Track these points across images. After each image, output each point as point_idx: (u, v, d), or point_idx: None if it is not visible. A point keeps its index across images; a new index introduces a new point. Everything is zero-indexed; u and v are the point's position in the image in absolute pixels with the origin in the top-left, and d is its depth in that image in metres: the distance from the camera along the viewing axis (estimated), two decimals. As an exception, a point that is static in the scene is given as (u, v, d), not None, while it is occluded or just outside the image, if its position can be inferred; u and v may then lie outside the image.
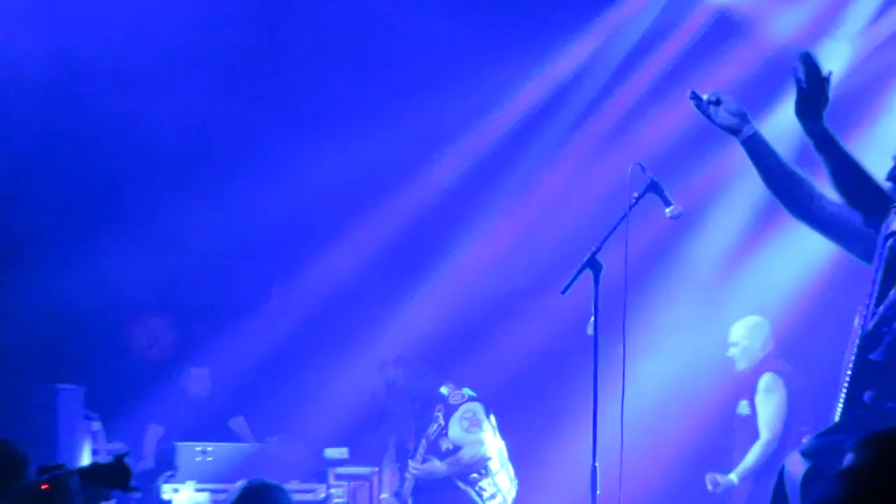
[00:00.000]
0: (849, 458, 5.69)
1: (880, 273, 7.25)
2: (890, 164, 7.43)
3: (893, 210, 7.24)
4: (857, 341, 7.16)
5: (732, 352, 11.86)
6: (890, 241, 7.15)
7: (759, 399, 11.73)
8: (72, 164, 12.91)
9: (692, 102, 7.64)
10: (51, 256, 12.78)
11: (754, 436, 11.73)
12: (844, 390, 7.16)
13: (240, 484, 7.78)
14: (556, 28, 13.14)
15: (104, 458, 7.45)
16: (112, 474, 6.59)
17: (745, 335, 11.86)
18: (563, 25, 13.18)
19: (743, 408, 11.80)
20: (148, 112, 12.75)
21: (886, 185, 7.39)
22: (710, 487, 11.67)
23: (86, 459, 11.44)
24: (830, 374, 7.53)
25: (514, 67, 13.14)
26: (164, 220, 13.03)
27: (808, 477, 6.94)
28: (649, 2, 13.24)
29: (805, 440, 7.81)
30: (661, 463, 11.77)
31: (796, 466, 7.06)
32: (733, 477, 11.63)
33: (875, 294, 7.29)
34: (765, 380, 11.71)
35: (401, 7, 12.62)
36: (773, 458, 11.30)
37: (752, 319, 11.89)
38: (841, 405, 7.17)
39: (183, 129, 13.02)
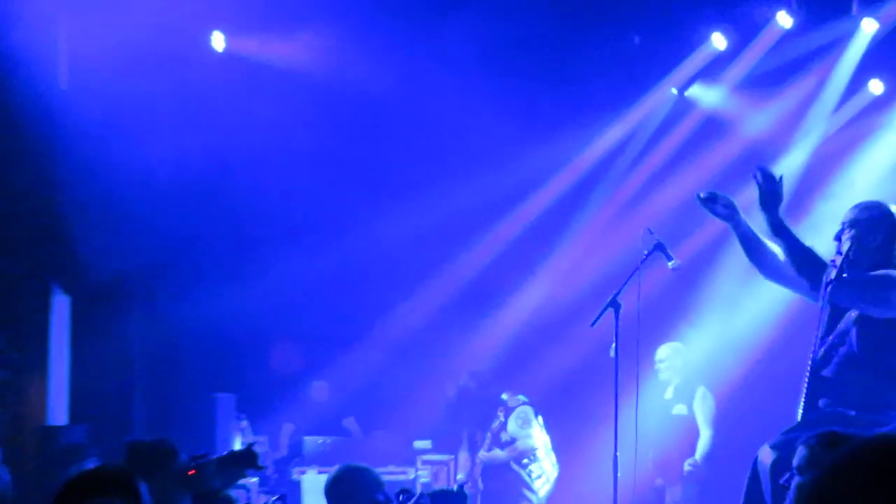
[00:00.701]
0: (801, 449, 5.92)
1: (825, 311, 7.47)
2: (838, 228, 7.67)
3: (831, 263, 7.47)
4: (809, 363, 7.37)
5: (659, 366, 11.86)
6: (829, 287, 7.37)
7: (697, 404, 11.70)
8: (224, 227, 13.00)
9: (697, 200, 7.78)
10: (210, 294, 12.61)
11: (690, 431, 11.73)
12: (803, 399, 7.36)
13: (337, 466, 8.03)
14: (581, 130, 13.20)
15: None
16: (243, 459, 6.70)
17: (668, 355, 11.89)
18: (589, 125, 13.22)
19: (679, 409, 11.76)
20: (275, 186, 12.90)
21: (833, 244, 7.61)
22: (686, 467, 11.64)
23: (236, 447, 11.50)
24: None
25: (552, 153, 13.14)
26: (292, 269, 13.07)
27: (775, 464, 7.12)
28: (657, 106, 13.32)
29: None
30: (668, 452, 11.68)
31: (766, 456, 7.25)
32: (698, 458, 11.61)
33: (823, 326, 7.52)
34: (701, 391, 11.71)
35: (461, 110, 12.58)
36: (713, 447, 11.59)
37: (675, 344, 11.97)
38: (801, 410, 7.37)
39: (304, 200, 13.12)
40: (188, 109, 11.96)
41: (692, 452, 11.62)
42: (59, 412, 11.75)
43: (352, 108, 12.70)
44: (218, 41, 12.25)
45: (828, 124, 12.65)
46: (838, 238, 7.59)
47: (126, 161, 11.71)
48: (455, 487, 7.42)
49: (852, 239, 7.49)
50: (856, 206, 7.71)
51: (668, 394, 11.91)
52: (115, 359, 12.23)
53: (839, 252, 7.50)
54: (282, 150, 12.67)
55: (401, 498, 7.33)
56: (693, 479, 11.62)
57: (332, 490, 7.67)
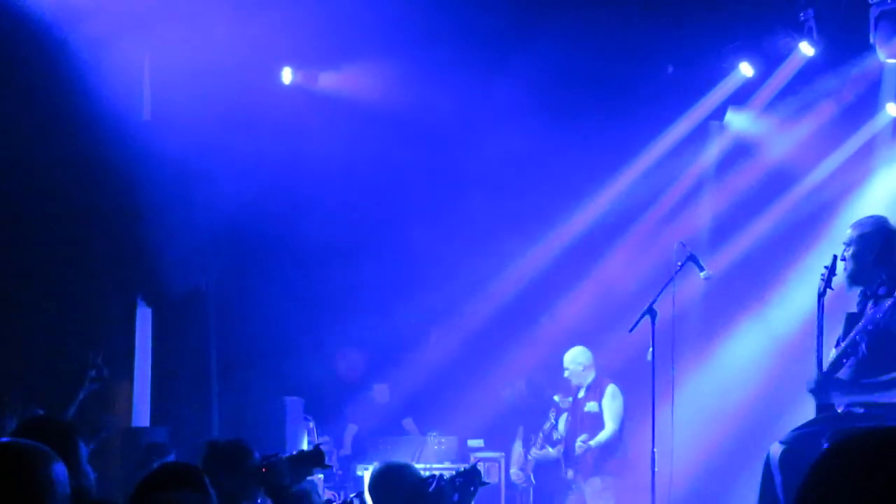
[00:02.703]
0: (824, 445, 5.85)
1: (821, 316, 7.39)
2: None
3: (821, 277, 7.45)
4: (817, 366, 7.29)
5: (566, 372, 11.94)
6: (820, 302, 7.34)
7: (606, 402, 11.77)
8: (291, 245, 13.03)
9: None
10: (279, 306, 12.72)
11: (598, 426, 11.77)
12: (817, 399, 7.28)
13: (379, 462, 7.98)
14: (623, 153, 13.27)
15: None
16: (311, 458, 6.86)
17: (574, 359, 11.96)
18: (629, 148, 13.29)
19: (591, 407, 11.81)
20: (335, 206, 12.96)
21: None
22: (577, 451, 11.71)
23: (304, 447, 11.56)
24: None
25: (596, 175, 13.23)
26: (354, 282, 13.17)
27: (784, 456, 7.05)
28: (690, 130, 13.32)
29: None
30: (702, 446, 11.65)
31: (776, 451, 7.18)
32: (592, 442, 11.64)
33: (840, 334, 7.46)
34: (610, 388, 11.79)
35: (509, 138, 12.60)
36: (614, 440, 11.62)
37: (578, 348, 12.01)
38: (816, 408, 7.29)
39: (363, 218, 13.26)
40: (258, 137, 12.11)
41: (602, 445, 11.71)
42: (142, 415, 11.83)
43: (408, 135, 12.77)
44: (286, 75, 12.31)
45: (848, 146, 12.48)
46: (844, 258, 7.51)
47: (202, 186, 11.83)
48: (466, 467, 7.32)
49: (851, 257, 7.41)
50: (852, 225, 7.61)
51: (581, 393, 11.97)
52: (193, 365, 12.41)
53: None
54: (340, 173, 12.77)
55: (429, 485, 7.23)
56: (605, 471, 11.67)
57: (373, 486, 7.63)
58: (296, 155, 12.33)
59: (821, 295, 7.41)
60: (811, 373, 7.33)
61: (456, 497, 7.10)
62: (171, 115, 11.41)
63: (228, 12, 10.96)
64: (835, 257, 7.49)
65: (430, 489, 7.12)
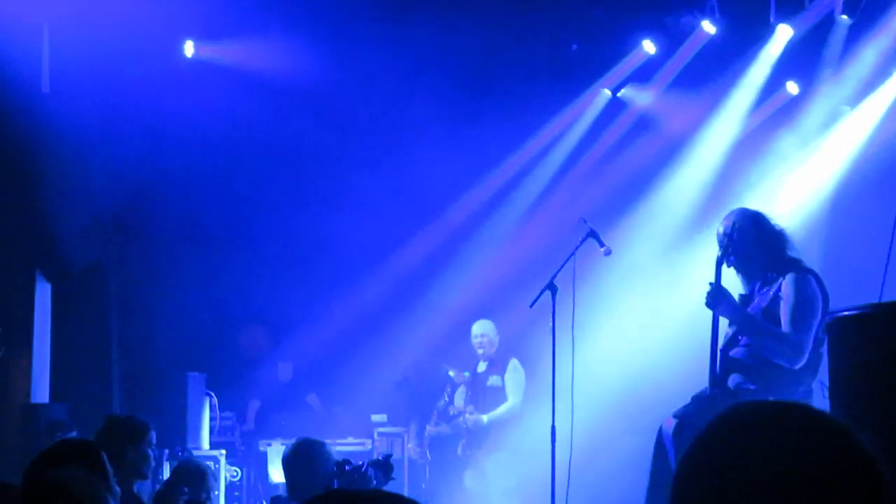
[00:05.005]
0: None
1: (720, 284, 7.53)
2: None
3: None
4: (711, 344, 7.41)
5: (477, 342, 12.01)
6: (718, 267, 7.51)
7: (509, 376, 11.86)
8: (192, 221, 13.04)
9: None
10: (180, 282, 12.92)
11: (501, 399, 11.87)
12: (710, 377, 7.41)
13: (294, 440, 8.05)
14: (528, 121, 13.34)
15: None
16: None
17: (486, 330, 12.02)
18: (530, 123, 13.39)
19: (494, 381, 11.89)
20: (236, 182, 13.08)
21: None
22: (462, 422, 11.84)
23: (205, 424, 11.67)
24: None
25: (496, 148, 13.29)
26: (256, 258, 13.25)
27: (677, 430, 7.16)
28: (592, 106, 13.46)
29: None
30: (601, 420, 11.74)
31: (669, 425, 7.29)
32: (484, 417, 11.78)
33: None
34: (512, 363, 11.89)
35: (411, 111, 12.71)
36: (515, 414, 11.74)
37: (487, 321, 12.08)
38: (709, 385, 7.41)
39: (267, 194, 13.27)
40: (159, 111, 12.04)
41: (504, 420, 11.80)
42: (41, 391, 11.73)
43: (310, 109, 12.82)
44: (189, 48, 12.24)
45: (747, 122, 12.69)
46: (726, 257, 7.59)
47: (102, 159, 11.76)
48: (382, 457, 7.47)
49: (733, 248, 7.53)
50: (721, 222, 7.72)
51: (482, 366, 12.04)
52: (93, 341, 12.34)
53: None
54: (241, 148, 12.86)
55: (346, 468, 7.35)
56: (508, 446, 11.74)
57: (290, 462, 7.70)
58: (197, 129, 12.29)
59: (719, 261, 7.52)
60: (707, 349, 7.44)
61: (372, 475, 7.25)
62: (71, 87, 11.32)
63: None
64: (731, 226, 7.59)
65: (347, 469, 7.24)
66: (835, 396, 5.18)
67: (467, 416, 11.84)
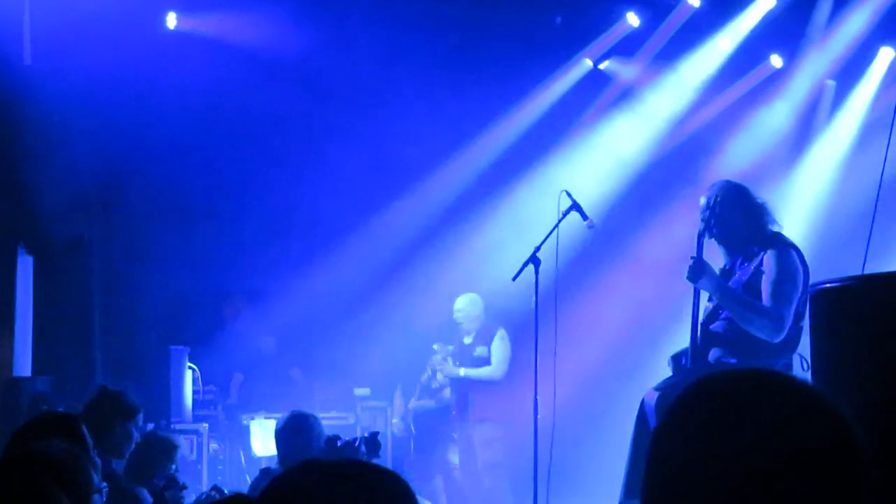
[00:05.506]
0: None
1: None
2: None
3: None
4: (692, 317, 7.42)
5: (457, 316, 12.04)
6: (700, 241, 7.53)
7: (495, 344, 11.85)
8: (176, 192, 12.88)
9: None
10: (167, 256, 12.88)
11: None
12: (690, 350, 7.43)
13: (286, 413, 8.08)
14: (511, 92, 13.26)
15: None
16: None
17: (469, 303, 12.03)
18: (518, 90, 13.33)
19: (481, 351, 11.89)
20: (218, 154, 12.88)
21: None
22: (439, 372, 11.98)
23: (188, 398, 11.65)
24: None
25: (480, 124, 13.25)
26: (240, 229, 13.19)
27: (659, 402, 7.16)
28: (575, 78, 13.43)
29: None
30: (583, 394, 11.75)
31: (651, 397, 7.30)
32: (462, 371, 11.85)
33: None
34: (500, 332, 11.85)
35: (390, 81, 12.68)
36: (497, 381, 11.74)
37: (472, 294, 12.09)
38: (689, 358, 7.43)
39: (250, 166, 13.09)
40: (142, 83, 11.98)
41: (490, 390, 11.77)
42: (24, 365, 11.72)
43: (293, 81, 12.72)
44: (171, 20, 12.17)
45: (730, 93, 12.72)
46: (707, 228, 7.58)
47: (85, 132, 11.72)
48: (369, 434, 7.49)
49: (716, 220, 7.51)
50: (706, 191, 7.70)
51: (469, 339, 12.04)
52: (76, 314, 12.35)
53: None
54: (225, 120, 12.68)
55: (337, 443, 7.39)
56: (495, 418, 11.75)
57: (282, 434, 7.76)
58: (180, 102, 12.20)
59: (700, 234, 7.52)
60: (688, 321, 7.46)
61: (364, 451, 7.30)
62: (53, 59, 11.27)
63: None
64: (713, 198, 7.57)
65: (339, 444, 7.28)
66: (816, 370, 5.18)
67: (447, 365, 11.89)
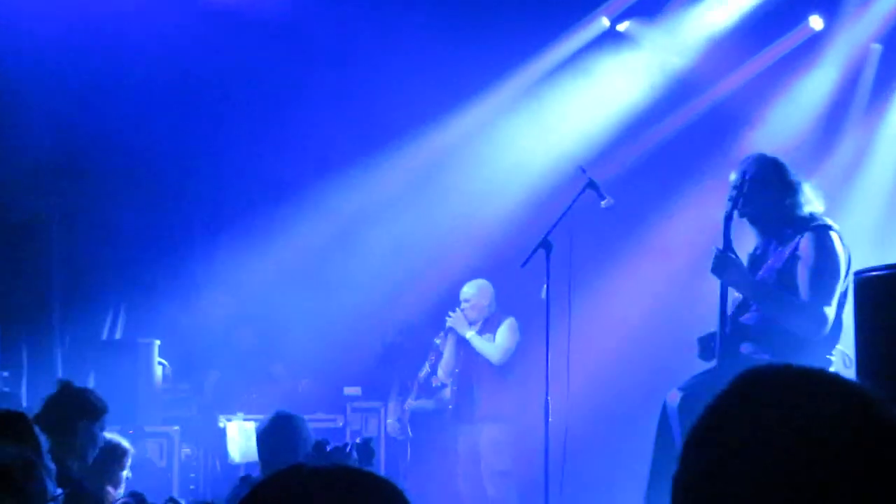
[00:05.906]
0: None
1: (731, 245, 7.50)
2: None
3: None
4: (720, 311, 7.36)
5: (464, 306, 12.00)
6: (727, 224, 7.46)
7: (502, 330, 11.84)
8: (140, 170, 12.92)
9: None
10: (134, 235, 12.83)
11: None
12: (719, 345, 7.35)
13: (268, 414, 8.02)
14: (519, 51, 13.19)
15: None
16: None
17: (479, 291, 12.01)
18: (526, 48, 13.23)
19: (488, 339, 11.86)
20: (184, 127, 12.89)
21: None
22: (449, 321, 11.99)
23: (157, 397, 11.49)
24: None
25: (485, 88, 13.23)
26: (216, 209, 13.15)
27: (683, 404, 7.11)
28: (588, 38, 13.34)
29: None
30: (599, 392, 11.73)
31: (674, 398, 7.24)
32: (469, 332, 11.88)
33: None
34: (509, 320, 11.83)
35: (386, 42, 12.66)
36: (493, 354, 11.74)
37: (479, 282, 12.07)
38: (717, 355, 7.36)
39: (224, 139, 13.13)
40: (102, 53, 11.93)
41: (498, 388, 11.74)
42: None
43: (276, 40, 12.75)
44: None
45: (765, 56, 12.65)
46: (736, 201, 7.51)
47: (44, 100, 11.68)
48: (361, 440, 7.45)
49: (748, 197, 7.44)
50: (739, 165, 7.65)
51: (477, 327, 12.02)
52: (33, 300, 12.36)
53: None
54: (191, 89, 12.78)
55: (326, 448, 7.34)
56: (501, 418, 11.70)
57: (265, 438, 7.72)
58: (150, 65, 12.22)
59: (728, 217, 7.44)
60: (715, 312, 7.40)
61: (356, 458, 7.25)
62: (10, 27, 11.26)
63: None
64: (743, 174, 7.50)
65: (329, 449, 7.23)
66: (862, 364, 5.13)
67: (458, 318, 11.91)
